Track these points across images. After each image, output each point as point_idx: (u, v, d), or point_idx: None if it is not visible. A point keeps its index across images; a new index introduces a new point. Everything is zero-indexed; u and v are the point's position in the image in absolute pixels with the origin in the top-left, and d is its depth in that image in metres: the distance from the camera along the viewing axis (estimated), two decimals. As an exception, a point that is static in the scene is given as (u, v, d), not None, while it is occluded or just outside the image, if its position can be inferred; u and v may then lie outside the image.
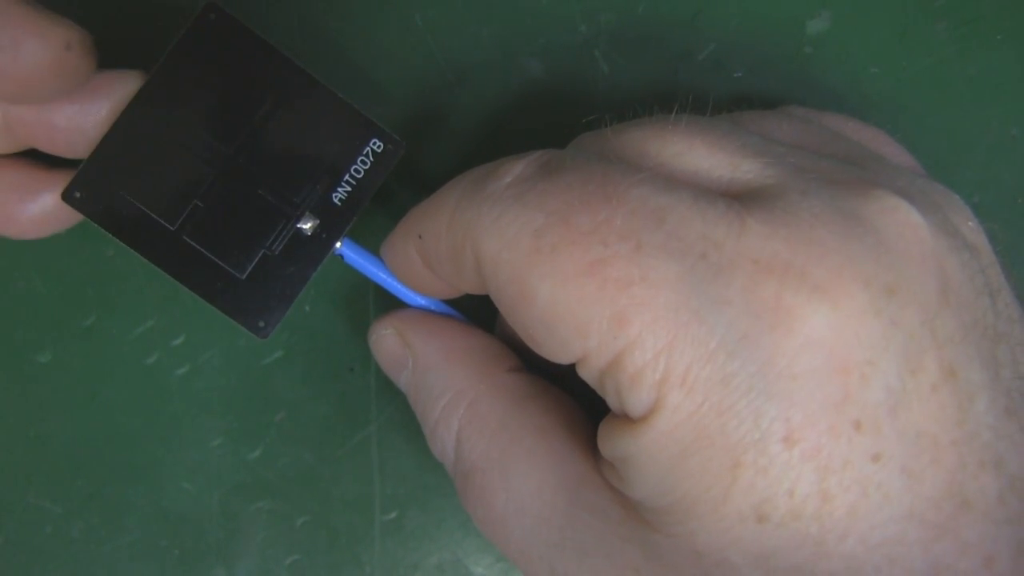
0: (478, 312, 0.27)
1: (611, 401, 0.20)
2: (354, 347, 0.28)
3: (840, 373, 0.18)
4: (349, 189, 0.24)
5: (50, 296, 0.28)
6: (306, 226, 0.24)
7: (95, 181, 0.23)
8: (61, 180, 0.24)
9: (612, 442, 0.20)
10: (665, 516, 0.19)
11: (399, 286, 0.26)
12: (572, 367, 0.20)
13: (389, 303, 0.27)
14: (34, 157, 0.24)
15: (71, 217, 0.24)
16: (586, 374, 0.20)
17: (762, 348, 0.18)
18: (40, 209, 0.24)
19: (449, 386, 0.25)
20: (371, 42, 0.28)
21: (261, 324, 0.24)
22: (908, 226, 0.19)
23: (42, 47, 0.20)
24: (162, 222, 0.24)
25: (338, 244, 0.24)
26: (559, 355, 0.20)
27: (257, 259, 0.24)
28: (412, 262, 0.24)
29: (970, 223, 0.22)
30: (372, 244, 0.26)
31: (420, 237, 0.23)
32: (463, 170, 0.23)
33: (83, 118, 0.23)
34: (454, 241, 0.21)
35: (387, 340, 0.26)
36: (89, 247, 0.28)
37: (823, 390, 0.18)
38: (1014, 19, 0.29)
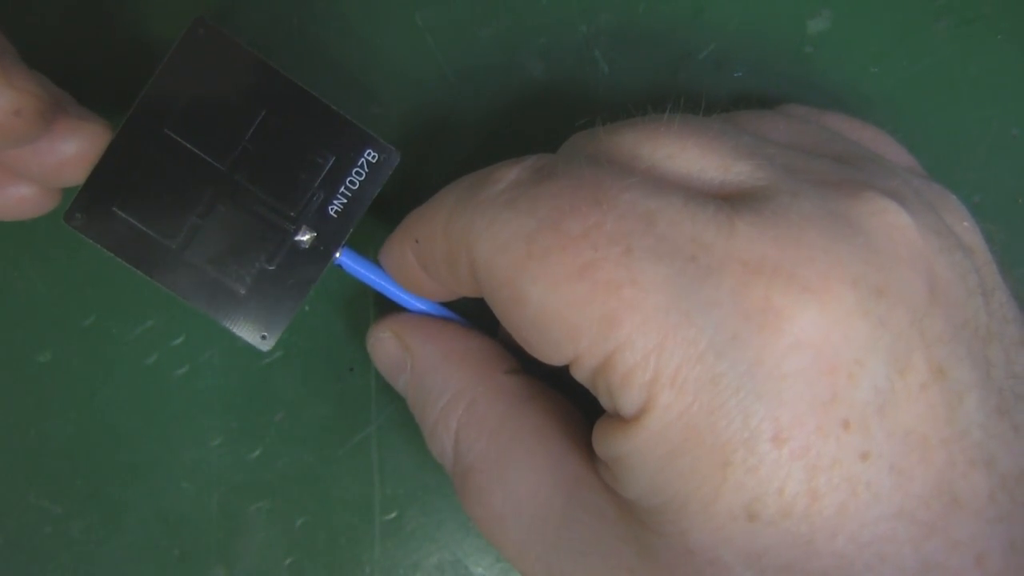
0: (478, 316, 0.27)
1: (604, 401, 0.20)
2: (354, 347, 0.28)
3: (828, 373, 0.18)
4: (345, 201, 0.24)
5: (50, 296, 0.28)
6: (303, 239, 0.24)
7: (94, 202, 0.24)
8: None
9: (606, 442, 0.20)
10: (658, 515, 0.19)
11: (399, 292, 0.26)
12: (568, 369, 0.20)
13: (389, 303, 0.27)
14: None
15: (47, 203, 0.24)
16: (579, 375, 0.20)
17: (751, 348, 0.18)
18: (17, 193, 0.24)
19: (447, 387, 0.25)
20: (370, 43, 0.28)
21: (263, 336, 0.25)
22: (897, 228, 0.19)
23: None
24: (162, 241, 0.24)
25: (337, 254, 0.24)
26: (552, 357, 0.20)
27: (256, 274, 0.24)
28: (409, 266, 0.24)
29: (965, 223, 0.22)
30: (372, 250, 0.26)
31: (417, 241, 0.23)
32: (463, 171, 0.23)
33: (46, 159, 0.23)
34: (449, 245, 0.22)
35: (385, 343, 0.26)
36: (89, 247, 0.27)
37: (811, 390, 0.18)
38: (1014, 19, 0.29)
